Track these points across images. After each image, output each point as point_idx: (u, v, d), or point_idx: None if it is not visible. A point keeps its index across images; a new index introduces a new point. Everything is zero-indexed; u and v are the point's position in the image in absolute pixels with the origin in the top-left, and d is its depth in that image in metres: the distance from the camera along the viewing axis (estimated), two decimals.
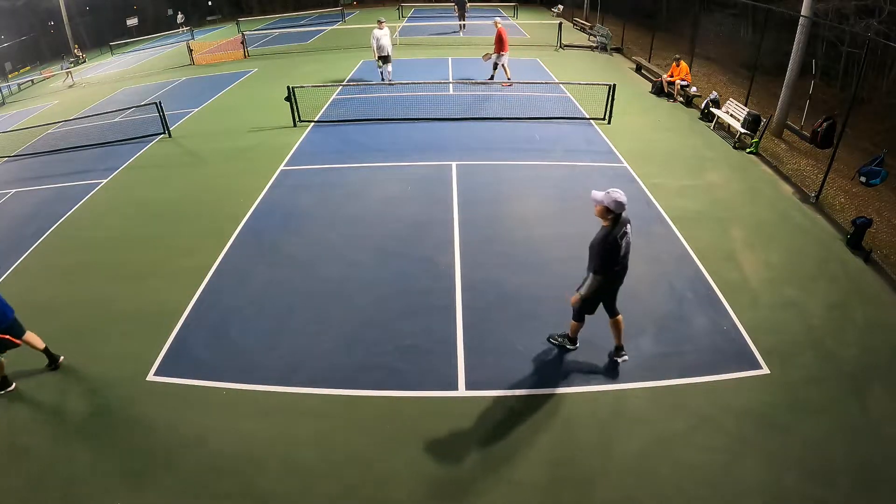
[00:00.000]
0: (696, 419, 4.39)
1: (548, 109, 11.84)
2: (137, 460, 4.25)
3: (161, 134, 11.61)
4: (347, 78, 15.48)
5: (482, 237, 6.99)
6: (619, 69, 15.99)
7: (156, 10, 32.98)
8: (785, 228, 7.25)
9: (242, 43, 20.37)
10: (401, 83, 13.65)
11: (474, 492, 3.90)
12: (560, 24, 19.53)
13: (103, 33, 28.72)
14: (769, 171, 9.03)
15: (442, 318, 5.59)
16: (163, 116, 11.51)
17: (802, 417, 4.40)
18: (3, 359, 4.95)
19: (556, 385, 4.75)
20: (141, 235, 7.62)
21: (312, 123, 11.54)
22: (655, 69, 14.67)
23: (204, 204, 8.39)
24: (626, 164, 9.08)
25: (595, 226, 4.49)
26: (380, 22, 13.42)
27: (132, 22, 31.16)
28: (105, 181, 9.54)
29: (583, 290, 4.46)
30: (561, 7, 27.42)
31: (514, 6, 27.19)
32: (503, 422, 4.43)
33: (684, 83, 12.59)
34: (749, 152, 9.64)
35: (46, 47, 27.71)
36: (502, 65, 13.49)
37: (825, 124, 8.80)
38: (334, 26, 25.89)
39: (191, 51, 20.08)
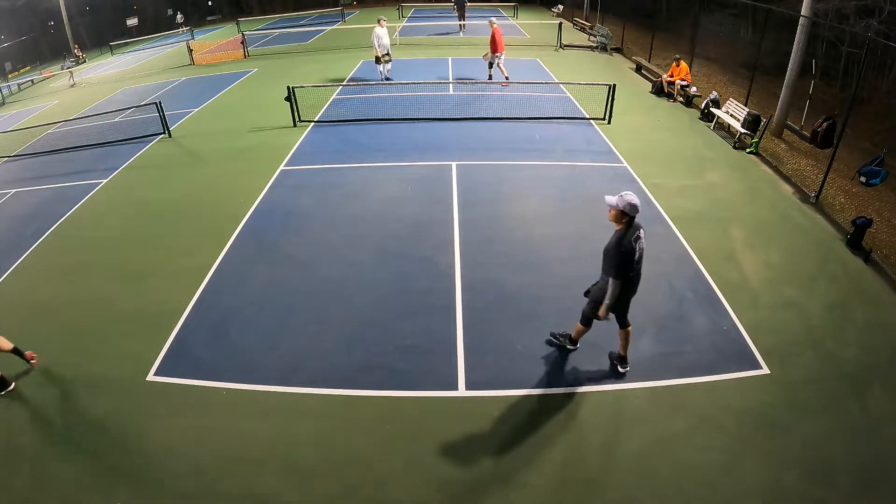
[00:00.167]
0: (696, 419, 4.39)
1: (548, 109, 11.84)
2: (137, 460, 4.25)
3: (161, 134, 11.61)
4: (347, 78, 15.48)
5: (482, 237, 6.99)
6: (619, 69, 15.99)
7: (156, 10, 32.98)
8: (785, 228, 7.25)
9: (242, 43, 20.37)
10: (401, 83, 13.67)
11: (474, 492, 3.90)
12: (560, 24, 19.53)
13: (103, 33, 28.72)
14: (769, 171, 9.03)
15: (442, 318, 5.59)
16: (163, 116, 11.52)
17: (802, 417, 4.40)
18: None
19: (556, 385, 4.75)
20: (141, 235, 7.63)
21: (312, 123, 11.54)
22: (655, 69, 14.66)
23: (204, 204, 8.39)
24: (626, 164, 9.08)
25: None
26: (380, 21, 13.66)
27: (132, 22, 31.15)
28: (105, 181, 9.54)
29: (607, 300, 4.33)
30: (561, 7, 27.42)
31: (514, 6, 27.18)
32: (503, 422, 4.43)
33: (684, 83, 12.58)
34: (749, 152, 9.64)
35: (46, 47, 27.71)
36: (497, 64, 13.55)
37: (825, 124, 8.81)
38: (334, 26, 25.89)
39: (191, 51, 20.07)
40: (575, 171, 8.92)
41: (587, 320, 4.77)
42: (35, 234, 7.84)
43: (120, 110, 13.85)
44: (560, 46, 18.68)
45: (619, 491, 3.88)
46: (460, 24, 22.41)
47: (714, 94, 11.31)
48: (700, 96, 12.25)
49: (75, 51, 25.79)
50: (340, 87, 14.18)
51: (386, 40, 13.70)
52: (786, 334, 5.30)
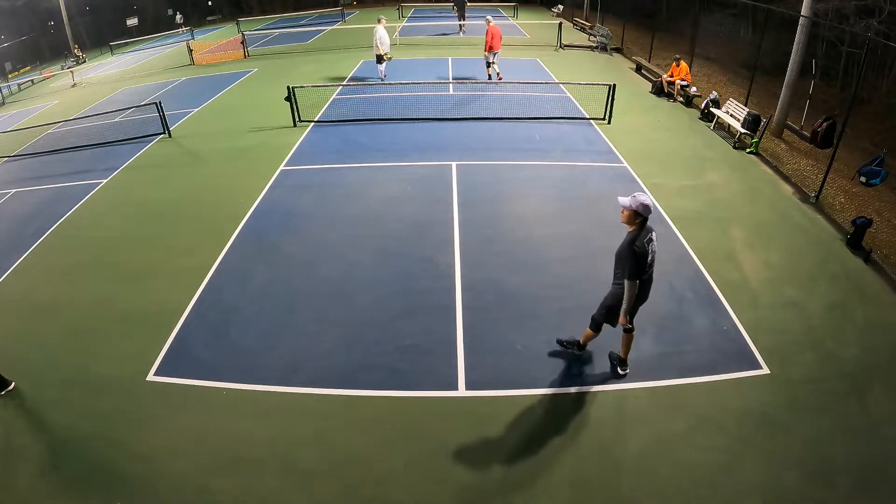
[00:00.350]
0: (696, 419, 4.39)
1: (548, 109, 11.84)
2: (137, 460, 4.25)
3: (161, 134, 11.61)
4: (347, 78, 15.48)
5: (482, 237, 6.99)
6: (619, 69, 15.99)
7: (156, 10, 32.97)
8: (785, 228, 7.25)
9: (242, 43, 20.36)
10: (401, 83, 13.68)
11: (474, 491, 3.90)
12: (560, 24, 19.53)
13: (103, 33, 28.70)
14: (769, 171, 9.03)
15: (442, 318, 5.59)
16: (163, 116, 11.51)
17: (802, 417, 4.40)
18: None
19: (556, 385, 4.75)
20: (141, 235, 7.63)
21: (312, 123, 11.54)
22: (655, 69, 14.66)
23: (204, 204, 8.39)
24: (626, 164, 9.08)
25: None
26: (380, 20, 13.88)
27: (132, 22, 31.14)
28: (105, 181, 9.54)
29: (625, 303, 4.28)
30: (561, 7, 27.42)
31: (514, 6, 27.17)
32: (503, 422, 4.43)
33: (684, 83, 12.58)
34: (749, 152, 9.64)
35: (46, 47, 27.71)
36: (492, 62, 13.70)
37: (825, 124, 8.81)
38: (334, 26, 25.89)
39: (191, 51, 20.07)
40: (575, 171, 8.92)
41: (597, 325, 4.73)
42: (35, 234, 7.84)
43: (120, 110, 13.85)
44: (560, 46, 18.68)
45: (618, 491, 3.88)
46: (460, 25, 22.41)
47: (714, 94, 11.31)
48: (700, 96, 12.25)
49: (75, 51, 25.79)
50: (340, 87, 14.18)
51: (386, 39, 13.87)
52: (786, 334, 5.30)
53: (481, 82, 13.94)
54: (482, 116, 11.42)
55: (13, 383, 5.03)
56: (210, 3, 34.93)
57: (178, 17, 31.92)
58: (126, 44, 28.15)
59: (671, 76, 12.79)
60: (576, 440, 4.26)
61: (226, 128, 11.84)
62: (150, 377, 5.05)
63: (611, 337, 4.90)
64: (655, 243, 4.30)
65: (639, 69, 15.54)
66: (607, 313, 4.57)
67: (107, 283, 6.55)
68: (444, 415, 4.53)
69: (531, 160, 9.33)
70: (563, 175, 8.78)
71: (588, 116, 11.40)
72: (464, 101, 12.67)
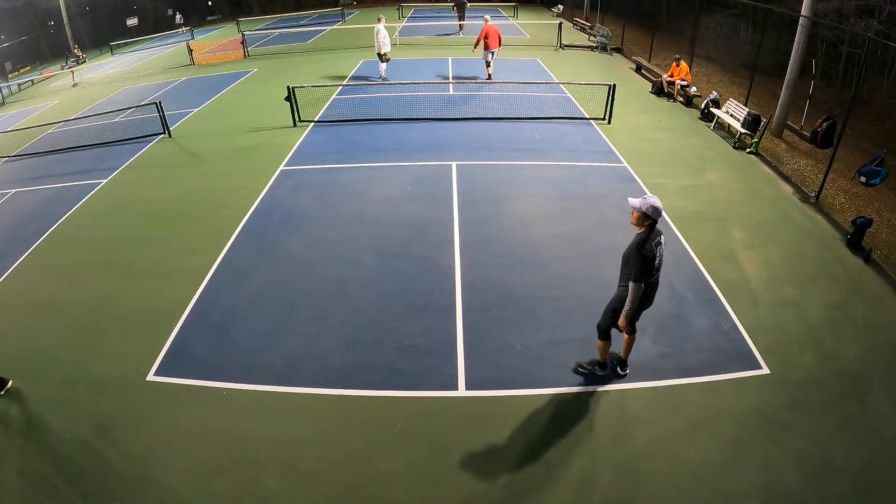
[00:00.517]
0: (696, 419, 4.39)
1: (548, 109, 11.84)
2: (137, 460, 4.25)
3: (161, 134, 11.61)
4: (347, 78, 15.48)
5: (482, 237, 6.99)
6: (619, 69, 15.99)
7: (156, 10, 32.97)
8: (785, 228, 7.25)
9: (242, 43, 20.36)
10: (401, 83, 13.69)
11: (474, 491, 3.90)
12: (560, 24, 19.53)
13: (103, 33, 28.70)
14: (769, 171, 9.03)
15: (442, 318, 5.59)
16: (163, 116, 11.51)
17: (802, 417, 4.40)
18: None
19: (556, 385, 4.75)
20: (141, 235, 7.63)
21: (312, 123, 11.54)
22: (655, 69, 14.67)
23: (204, 204, 8.39)
24: (626, 164, 9.08)
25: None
26: (380, 19, 14.22)
27: (132, 22, 31.13)
28: (105, 181, 9.54)
29: (628, 305, 4.21)
30: (561, 7, 27.42)
31: (514, 6, 27.17)
32: (503, 422, 4.43)
33: (684, 83, 12.58)
34: (749, 152, 9.64)
35: (46, 47, 27.70)
36: (487, 60, 13.93)
37: (825, 124, 8.81)
38: (334, 26, 25.89)
39: (191, 51, 20.07)
40: (575, 171, 8.92)
41: (605, 333, 4.62)
42: (35, 234, 7.84)
43: (120, 110, 13.85)
44: (560, 46, 18.68)
45: (618, 491, 3.87)
46: (460, 25, 22.42)
47: (714, 94, 11.31)
48: (700, 96, 12.25)
49: (75, 51, 25.78)
50: (340, 87, 14.19)
51: (387, 38, 14.11)
52: (786, 334, 5.30)
53: (481, 82, 13.96)
54: (482, 116, 11.42)
55: (10, 381, 5.03)
56: (210, 3, 34.93)
57: (178, 17, 31.92)
58: (126, 44, 28.15)
59: (671, 76, 12.79)
60: (576, 440, 4.26)
61: (226, 128, 11.84)
62: (150, 377, 5.05)
63: (612, 338, 4.90)
64: (664, 247, 4.24)
65: (639, 69, 15.54)
66: (612, 317, 4.48)
67: (107, 283, 6.55)
68: (444, 415, 4.53)
69: (531, 160, 9.32)
70: (563, 175, 8.77)
71: (588, 116, 11.40)
72: (464, 100, 12.67)
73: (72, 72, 20.38)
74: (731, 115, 10.39)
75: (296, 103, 11.37)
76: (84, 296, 6.36)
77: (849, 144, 10.01)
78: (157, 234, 7.63)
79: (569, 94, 12.92)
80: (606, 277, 5.93)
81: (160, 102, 11.72)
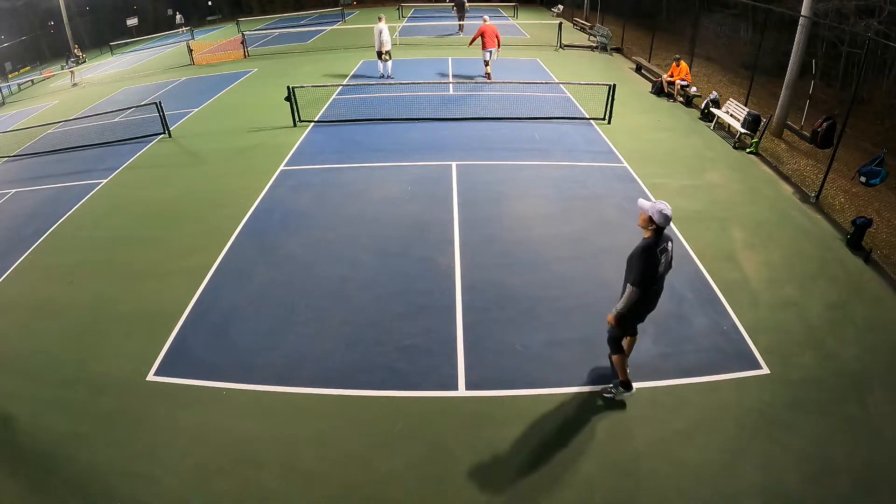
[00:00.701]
0: (696, 419, 4.39)
1: (548, 109, 11.84)
2: (137, 460, 4.25)
3: (161, 134, 11.61)
4: (347, 78, 15.48)
5: (482, 237, 6.99)
6: (619, 69, 15.99)
7: (156, 10, 32.97)
8: (785, 228, 7.25)
9: (242, 43, 20.36)
10: (401, 83, 13.71)
11: (474, 491, 3.90)
12: (560, 24, 19.53)
13: (103, 33, 28.70)
14: (769, 171, 9.03)
15: (442, 318, 5.59)
16: (163, 116, 11.51)
17: (802, 417, 4.40)
18: None
19: (556, 385, 4.75)
20: (141, 235, 7.63)
21: (312, 123, 11.54)
22: (655, 69, 14.67)
23: (204, 204, 8.39)
24: (626, 164, 9.08)
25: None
26: (380, 18, 14.40)
27: (132, 22, 31.13)
28: (105, 181, 9.54)
29: (619, 305, 4.14)
30: (561, 7, 27.42)
31: (514, 6, 27.17)
32: (503, 422, 4.43)
33: (684, 83, 12.58)
34: (749, 152, 9.64)
35: (46, 47, 27.70)
36: (485, 60, 14.04)
37: (825, 124, 8.81)
38: (334, 26, 25.89)
39: (191, 51, 20.07)
40: (575, 171, 8.92)
41: (617, 345, 4.44)
42: (35, 234, 7.84)
43: (120, 110, 13.85)
44: (560, 46, 18.68)
45: (618, 491, 3.88)
46: (459, 25, 22.43)
47: (714, 94, 11.31)
48: (700, 96, 12.25)
49: (75, 51, 25.76)
50: (340, 87, 14.19)
51: (387, 37, 14.25)
52: (786, 334, 5.30)
53: (481, 82, 13.97)
54: (482, 116, 11.42)
55: None
56: (210, 3, 34.93)
57: (178, 17, 31.91)
58: (126, 44, 28.14)
59: (671, 76, 12.79)
60: (576, 440, 4.26)
61: (226, 128, 11.84)
62: (150, 377, 5.05)
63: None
64: (671, 254, 4.12)
65: (639, 69, 15.54)
66: (620, 324, 4.34)
67: (107, 283, 6.55)
68: (444, 415, 4.53)
69: (531, 160, 9.32)
70: (563, 175, 8.77)
71: (588, 116, 11.40)
72: (464, 100, 12.67)
73: (71, 72, 20.37)
74: (731, 115, 10.39)
75: (296, 103, 11.37)
76: (84, 296, 6.36)
77: (849, 144, 10.01)
78: (157, 234, 7.64)
79: (569, 94, 12.92)
80: (606, 277, 5.97)
81: (160, 102, 11.72)
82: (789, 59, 10.13)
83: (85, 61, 24.94)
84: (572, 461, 4.09)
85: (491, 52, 13.83)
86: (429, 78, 14.71)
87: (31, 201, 9.11)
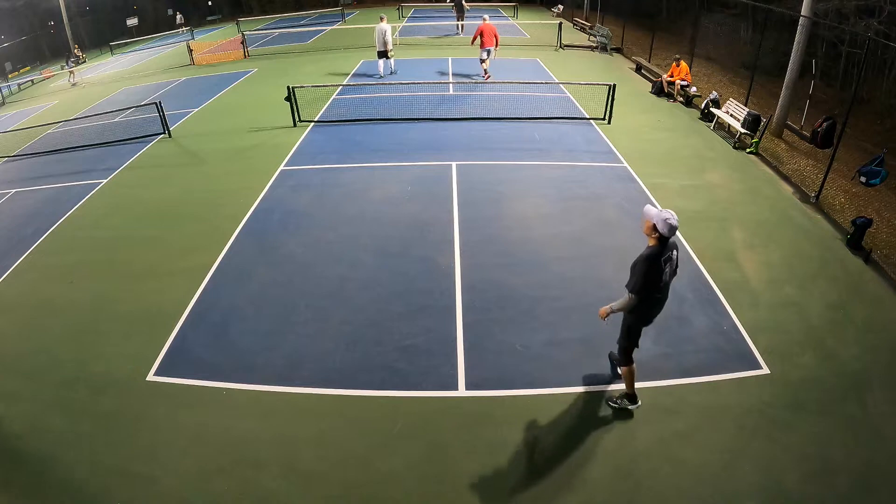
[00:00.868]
0: (696, 419, 4.39)
1: (548, 109, 11.84)
2: (137, 460, 4.25)
3: (161, 134, 11.61)
4: (347, 78, 15.48)
5: (482, 237, 6.99)
6: (619, 69, 15.99)
7: (156, 10, 32.97)
8: (785, 228, 7.25)
9: (242, 43, 20.36)
10: (400, 83, 13.73)
11: (474, 491, 3.90)
12: (560, 24, 19.52)
13: (103, 33, 28.71)
14: (769, 171, 9.03)
15: (442, 318, 5.59)
16: (163, 116, 11.51)
17: (802, 417, 4.40)
18: None
19: (556, 385, 4.75)
20: (141, 235, 7.63)
21: (312, 123, 11.54)
22: (655, 69, 14.67)
23: (204, 204, 8.39)
24: (626, 164, 9.08)
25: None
26: (382, 18, 14.62)
27: (132, 22, 31.13)
28: (105, 181, 9.54)
29: (614, 304, 4.11)
30: (561, 7, 27.42)
31: (514, 6, 27.17)
32: (503, 422, 4.43)
33: (684, 83, 12.58)
34: (749, 152, 9.64)
35: (46, 47, 27.71)
36: (482, 59, 14.18)
37: (825, 124, 8.81)
38: (334, 26, 25.88)
39: (191, 51, 20.06)
40: (575, 171, 8.92)
41: (626, 356, 4.36)
42: (35, 234, 7.84)
43: (120, 110, 13.85)
44: (560, 46, 18.68)
45: (618, 491, 3.87)
46: (459, 25, 22.43)
47: (714, 94, 11.31)
48: (700, 96, 12.25)
49: (75, 51, 25.77)
50: (340, 87, 14.19)
51: (388, 37, 14.42)
52: (786, 334, 5.30)
53: (481, 82, 13.98)
54: (482, 116, 11.42)
55: None
56: (210, 3, 34.93)
57: (179, 17, 31.92)
58: (126, 44, 28.14)
59: (671, 76, 12.79)
60: (576, 440, 4.26)
61: (226, 128, 11.84)
62: (150, 377, 5.05)
63: (611, 338, 4.89)
64: (675, 262, 4.04)
65: (639, 69, 15.54)
66: (629, 335, 4.31)
67: (107, 283, 6.55)
68: (444, 415, 4.53)
69: (531, 160, 9.32)
70: (563, 175, 8.77)
71: (588, 116, 11.40)
72: (464, 100, 12.67)
73: (71, 72, 20.37)
74: (731, 115, 10.39)
75: (296, 103, 11.36)
76: (84, 296, 6.36)
77: (849, 144, 10.01)
78: (157, 234, 7.63)
79: (569, 94, 12.92)
80: (606, 277, 5.98)
81: (160, 102, 11.72)
82: (789, 59, 10.13)
83: (85, 61, 24.95)
84: (572, 461, 4.09)
85: (489, 50, 13.90)
86: (429, 78, 14.71)
87: (31, 201, 9.11)
